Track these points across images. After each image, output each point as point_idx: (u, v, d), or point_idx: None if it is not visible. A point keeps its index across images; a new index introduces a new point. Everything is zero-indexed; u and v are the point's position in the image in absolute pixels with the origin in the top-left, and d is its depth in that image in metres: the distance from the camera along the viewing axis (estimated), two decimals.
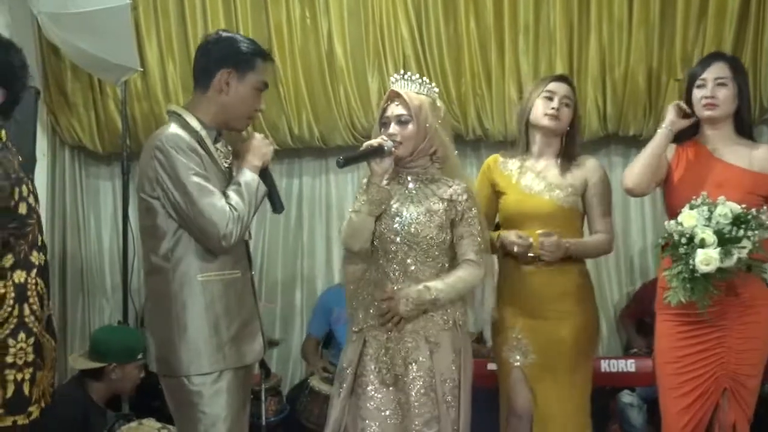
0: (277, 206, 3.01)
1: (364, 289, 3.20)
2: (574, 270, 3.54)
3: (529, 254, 3.42)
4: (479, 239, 3.14)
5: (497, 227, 3.65)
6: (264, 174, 2.93)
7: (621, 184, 3.55)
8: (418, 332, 3.09)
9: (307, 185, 5.36)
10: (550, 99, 3.51)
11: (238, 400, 2.96)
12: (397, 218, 3.12)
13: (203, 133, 2.88)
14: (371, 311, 3.15)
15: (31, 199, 2.76)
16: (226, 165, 2.97)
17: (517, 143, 3.65)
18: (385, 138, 3.11)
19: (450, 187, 3.14)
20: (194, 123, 2.88)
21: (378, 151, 3.08)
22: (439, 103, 3.20)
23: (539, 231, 3.40)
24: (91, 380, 4.11)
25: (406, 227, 3.10)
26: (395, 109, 3.13)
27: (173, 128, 2.84)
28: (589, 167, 3.57)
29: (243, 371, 2.99)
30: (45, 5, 4.41)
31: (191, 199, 2.76)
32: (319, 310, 5.00)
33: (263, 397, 4.33)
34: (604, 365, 4.34)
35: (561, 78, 3.61)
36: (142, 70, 4.89)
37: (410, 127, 3.10)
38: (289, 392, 4.95)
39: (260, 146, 2.96)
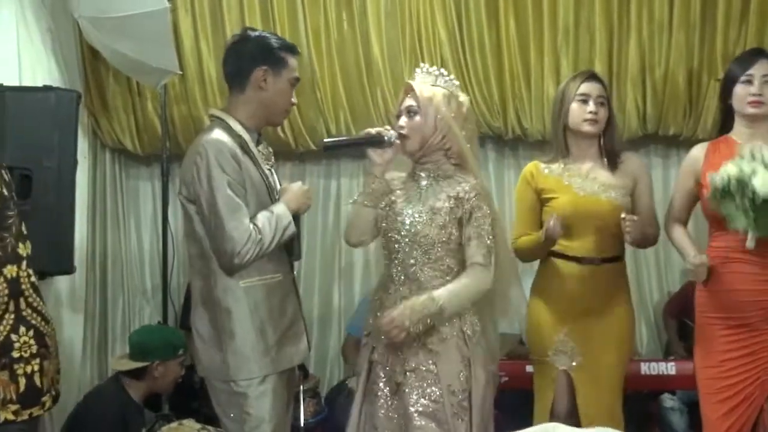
0: (296, 253, 3.03)
1: (375, 292, 3.16)
2: (620, 271, 3.53)
3: (555, 234, 3.35)
4: (488, 241, 2.99)
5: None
6: (295, 219, 2.94)
7: (664, 226, 3.51)
8: (418, 339, 2.96)
9: (345, 186, 5.34)
10: (585, 102, 3.46)
11: (282, 402, 2.98)
12: (401, 215, 3.04)
13: (246, 136, 2.89)
14: (377, 315, 3.06)
15: (3, 189, 2.70)
16: (268, 167, 2.98)
17: (551, 146, 3.61)
18: (388, 128, 3.06)
19: (460, 184, 3.02)
20: (237, 127, 2.90)
21: (375, 141, 3.02)
22: (462, 97, 3.10)
23: (623, 214, 3.31)
24: (130, 379, 4.12)
25: (408, 226, 3.01)
26: (407, 101, 3.07)
27: (216, 133, 2.85)
28: (634, 165, 3.55)
29: (287, 373, 3.01)
30: (85, 10, 4.42)
31: (217, 210, 2.77)
32: (361, 310, 4.86)
33: (302, 399, 4.32)
34: (644, 368, 4.29)
35: (591, 76, 3.55)
36: (181, 73, 4.90)
37: (417, 118, 3.02)
38: (327, 394, 4.94)
39: (301, 195, 3.00)
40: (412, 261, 3.00)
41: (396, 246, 3.03)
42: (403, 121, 3.05)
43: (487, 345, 3.03)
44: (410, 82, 3.08)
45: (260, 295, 2.90)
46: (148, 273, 5.48)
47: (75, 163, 3.79)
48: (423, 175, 3.08)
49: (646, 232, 3.45)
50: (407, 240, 3.00)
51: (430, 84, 3.05)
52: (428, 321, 2.90)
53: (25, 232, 2.71)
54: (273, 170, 3.07)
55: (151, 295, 5.45)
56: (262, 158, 2.97)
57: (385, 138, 3.01)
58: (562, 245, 3.46)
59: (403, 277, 3.01)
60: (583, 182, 3.48)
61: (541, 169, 3.57)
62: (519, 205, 3.62)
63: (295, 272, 3.10)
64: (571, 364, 3.44)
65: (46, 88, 3.83)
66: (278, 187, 3.05)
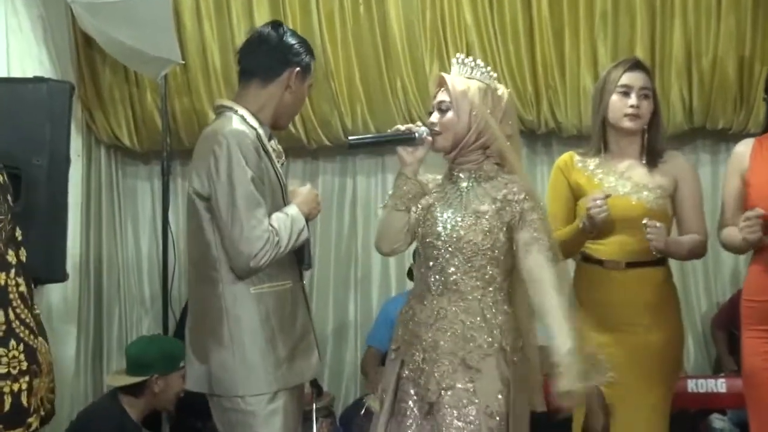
0: (306, 261, 3.04)
1: (409, 302, 3.12)
2: (660, 275, 3.47)
3: (601, 214, 3.28)
4: (548, 242, 2.94)
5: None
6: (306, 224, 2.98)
7: (717, 234, 3.46)
8: (455, 354, 2.91)
9: (362, 185, 5.38)
10: (627, 95, 3.43)
11: (294, 421, 2.98)
12: (440, 220, 3.00)
13: (261, 131, 2.92)
14: (410, 326, 3.03)
15: None
16: (280, 164, 3.01)
17: (591, 141, 3.58)
18: (419, 124, 3.04)
19: (506, 185, 2.98)
20: (252, 120, 2.92)
21: (405, 138, 2.99)
22: (501, 89, 3.05)
23: (644, 220, 3.28)
24: (128, 396, 4.13)
25: (448, 231, 2.96)
26: (439, 96, 3.03)
27: (236, 123, 2.88)
28: (678, 166, 3.50)
29: (298, 389, 3.01)
30: None
31: (236, 206, 2.78)
32: (382, 320, 4.85)
33: (314, 419, 4.32)
34: (691, 385, 4.27)
35: (634, 65, 3.49)
36: (183, 62, 4.93)
37: (449, 115, 2.98)
38: (342, 413, 4.95)
39: (311, 199, 3.03)
40: (452, 269, 2.96)
41: (435, 253, 2.99)
42: (435, 117, 3.03)
43: (527, 363, 3.01)
44: (443, 74, 3.06)
45: (271, 303, 2.89)
46: (146, 281, 5.50)
47: (68, 160, 3.79)
48: (462, 176, 3.04)
49: (686, 244, 3.43)
50: (448, 246, 2.96)
51: (465, 76, 3.03)
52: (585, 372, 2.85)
53: (19, 238, 2.71)
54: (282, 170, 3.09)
55: (150, 305, 5.47)
56: (274, 155, 2.98)
57: (416, 135, 2.98)
58: (587, 246, 3.45)
59: (441, 287, 2.98)
60: (615, 182, 3.45)
61: (575, 162, 3.55)
62: (552, 196, 3.58)
63: (304, 280, 3.11)
64: (601, 379, 3.42)
65: (37, 80, 3.83)
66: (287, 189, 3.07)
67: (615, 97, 3.44)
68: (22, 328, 2.64)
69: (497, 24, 4.95)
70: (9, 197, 2.68)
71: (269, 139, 2.99)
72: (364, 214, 5.37)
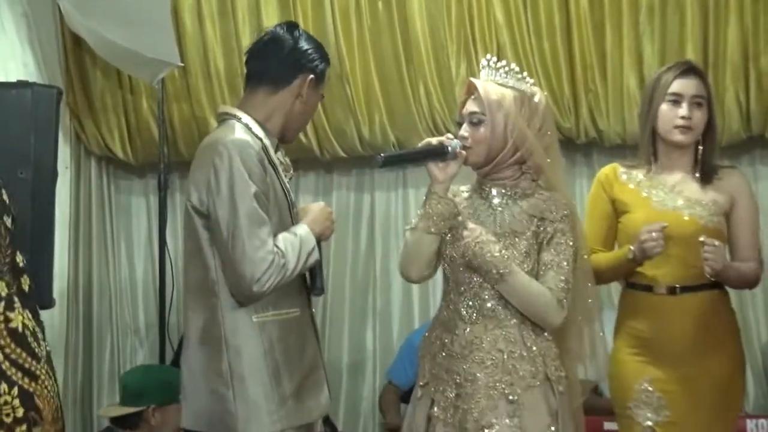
0: (318, 287, 3.01)
1: (433, 331, 3.11)
2: (718, 300, 3.44)
3: (656, 249, 3.26)
4: (566, 274, 2.95)
5: None
6: (317, 246, 2.95)
7: None
8: (495, 387, 2.91)
9: (381, 201, 5.36)
10: (677, 103, 3.40)
11: None
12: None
13: (267, 141, 2.90)
14: (438, 359, 3.01)
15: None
16: (287, 179, 3.00)
17: (640, 152, 3.56)
18: (450, 137, 3.00)
19: (544, 201, 2.99)
20: (258, 130, 2.91)
21: (436, 153, 2.95)
22: (537, 97, 3.03)
23: (701, 238, 3.25)
24: (122, 430, 4.12)
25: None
26: (470, 105, 3.01)
27: (239, 132, 2.86)
28: (735, 183, 3.47)
29: (305, 429, 2.98)
30: None
31: (238, 224, 2.76)
32: (405, 353, 4.84)
33: None
34: (751, 426, 4.27)
35: (687, 70, 3.46)
36: (182, 65, 4.92)
37: (482, 128, 2.97)
38: None
39: (323, 217, 3.01)
40: (487, 294, 2.96)
41: (466, 278, 2.98)
42: (466, 130, 3.00)
43: (573, 391, 3.00)
44: (473, 80, 3.03)
45: (276, 333, 2.89)
46: (141, 307, 5.50)
47: (55, 174, 3.79)
48: (495, 192, 3.04)
49: (741, 271, 3.40)
50: None
51: (497, 82, 3.01)
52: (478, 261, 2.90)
53: (20, 264, 2.68)
54: (290, 185, 3.08)
55: (145, 335, 5.46)
56: (281, 168, 2.97)
57: (448, 149, 2.94)
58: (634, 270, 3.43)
59: (475, 315, 2.97)
60: (665, 196, 3.43)
61: (619, 175, 3.53)
62: (590, 213, 3.57)
63: (313, 308, 3.09)
64: (656, 419, 3.38)
65: (21, 84, 3.82)
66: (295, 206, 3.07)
67: (665, 107, 3.42)
68: (14, 369, 2.61)
69: (531, 21, 4.93)
70: (6, 218, 2.66)
71: (276, 151, 2.98)
72: (383, 233, 5.34)
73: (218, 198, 2.78)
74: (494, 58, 3.04)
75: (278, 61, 2.98)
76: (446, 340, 3.00)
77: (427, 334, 3.15)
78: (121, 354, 5.41)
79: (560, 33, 4.92)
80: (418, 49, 4.98)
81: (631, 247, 3.30)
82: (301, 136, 4.90)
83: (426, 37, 4.98)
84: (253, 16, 5.01)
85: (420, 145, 3.04)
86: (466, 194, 3.10)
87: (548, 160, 3.03)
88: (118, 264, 5.48)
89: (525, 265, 2.93)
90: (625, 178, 3.51)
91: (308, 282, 3.02)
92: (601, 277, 3.43)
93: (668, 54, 4.79)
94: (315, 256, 2.91)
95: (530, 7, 4.92)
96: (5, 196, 2.64)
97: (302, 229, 2.90)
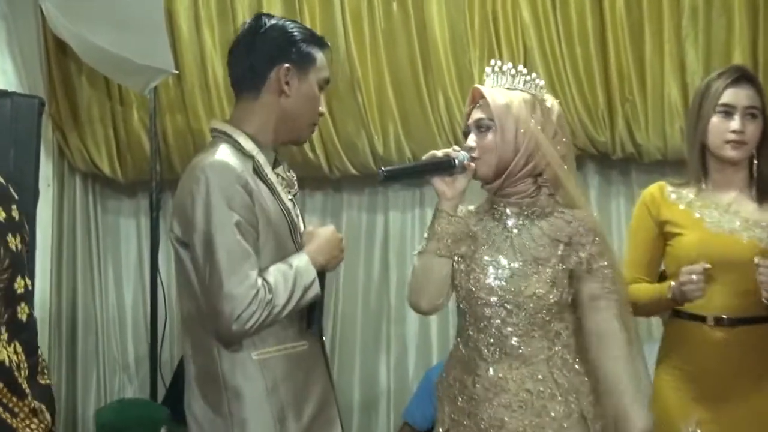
0: (314, 326, 2.95)
1: (450, 371, 3.07)
2: None
3: (696, 294, 3.26)
4: (618, 298, 2.93)
5: (662, 279, 3.54)
6: (321, 277, 2.90)
7: None
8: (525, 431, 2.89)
9: (396, 222, 5.35)
10: (729, 115, 3.39)
11: None
12: (491, 269, 2.93)
13: (260, 158, 2.86)
14: (459, 403, 2.98)
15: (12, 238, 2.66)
16: (290, 196, 2.96)
17: (688, 169, 3.54)
18: (457, 148, 2.97)
19: (569, 223, 2.94)
20: (248, 145, 2.86)
21: (443, 166, 2.92)
22: (549, 102, 3.00)
23: (756, 259, 3.23)
24: None
25: (505, 282, 2.91)
26: (476, 113, 2.98)
27: (221, 152, 2.80)
28: None
29: None
30: None
31: (215, 257, 2.73)
32: (423, 391, 4.85)
33: None
34: None
35: (740, 78, 3.45)
36: (177, 72, 4.92)
37: (490, 135, 2.93)
38: None
39: (331, 245, 2.96)
40: (510, 329, 2.91)
41: (487, 312, 2.93)
42: (473, 139, 2.98)
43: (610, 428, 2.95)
44: (478, 86, 3.01)
45: (280, 371, 2.85)
46: (131, 339, 5.49)
47: (36, 192, 3.78)
48: (509, 212, 2.99)
49: None
50: (504, 303, 2.92)
51: (505, 87, 2.98)
52: None
53: (19, 291, 2.66)
54: (295, 202, 3.05)
55: (134, 369, 5.45)
56: (282, 185, 2.94)
57: (455, 161, 2.91)
58: None
59: (498, 353, 2.93)
60: (720, 217, 3.41)
61: (667, 194, 3.51)
62: (633, 237, 3.57)
63: (324, 337, 3.06)
64: None
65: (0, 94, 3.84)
66: (302, 227, 3.02)
67: (715, 119, 3.41)
68: None
69: (561, 23, 4.92)
70: (12, 238, 2.63)
71: (276, 165, 2.95)
72: (398, 258, 5.32)
73: (194, 230, 2.76)
74: (498, 62, 3.02)
75: (246, 60, 2.94)
76: (467, 382, 2.96)
77: (444, 374, 3.11)
78: (108, 391, 5.39)
79: (594, 36, 4.91)
80: (436, 54, 4.97)
81: (672, 284, 3.29)
82: (308, 150, 4.92)
83: (446, 41, 4.97)
84: None
85: (424, 157, 3.00)
86: (474, 215, 3.06)
87: (566, 172, 2.99)
88: (105, 292, 5.47)
89: (551, 296, 2.89)
90: (675, 198, 3.50)
91: (308, 320, 2.96)
92: (639, 310, 3.42)
93: (713, 60, 4.78)
94: (314, 290, 2.85)
95: (560, 8, 4.92)
96: (15, 213, 2.62)
97: (301, 260, 2.85)
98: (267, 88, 2.91)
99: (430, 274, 2.97)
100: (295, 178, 3.05)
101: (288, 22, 3.00)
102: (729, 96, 3.39)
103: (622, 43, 4.88)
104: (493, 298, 2.92)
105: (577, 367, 2.94)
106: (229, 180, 2.75)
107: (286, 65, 2.90)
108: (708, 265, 3.23)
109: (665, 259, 3.51)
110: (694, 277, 3.22)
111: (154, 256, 5.07)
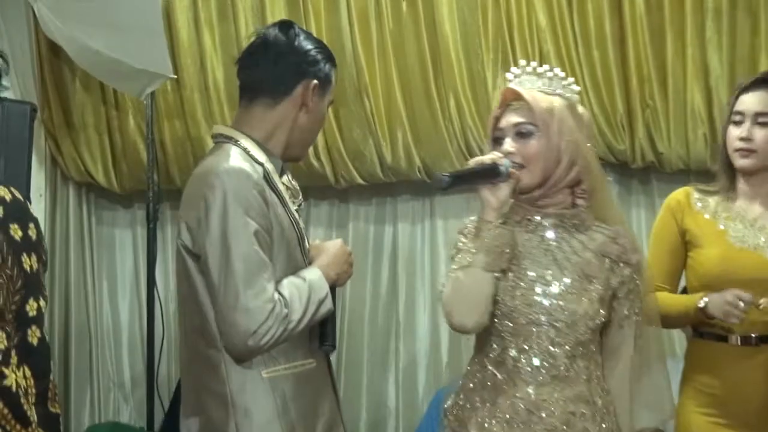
0: (329, 341, 2.95)
1: (473, 394, 3.00)
2: None
3: (733, 320, 3.25)
4: (641, 321, 2.92)
5: (683, 293, 3.53)
6: (331, 294, 2.91)
7: None
8: None
9: (405, 235, 5.35)
10: (739, 123, 3.41)
11: None
12: (539, 286, 2.88)
13: (269, 166, 2.86)
14: (489, 425, 2.89)
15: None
16: (296, 207, 2.97)
17: (717, 177, 3.54)
18: (500, 155, 2.87)
19: (615, 239, 2.90)
20: (257, 152, 2.86)
21: (490, 173, 2.84)
22: (580, 108, 2.98)
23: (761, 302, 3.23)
24: None
25: (555, 300, 2.85)
26: (512, 117, 2.90)
27: (235, 158, 2.81)
28: None
29: None
30: None
31: (231, 268, 2.72)
32: (434, 412, 4.69)
33: None
34: None
35: (754, 83, 3.45)
36: (175, 77, 4.93)
37: (535, 141, 2.86)
38: None
39: (341, 259, 2.98)
40: (558, 350, 2.87)
41: (533, 330, 2.88)
42: (510, 144, 2.89)
43: None
44: (514, 87, 2.94)
45: (290, 390, 2.85)
46: (126, 357, 5.49)
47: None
48: (547, 223, 2.95)
49: None
50: (554, 322, 2.87)
51: (540, 89, 2.93)
52: None
53: (31, 314, 2.65)
54: (300, 213, 3.05)
55: (130, 389, 5.46)
56: (288, 195, 2.94)
57: (501, 168, 2.83)
58: None
59: (543, 375, 2.88)
60: (745, 231, 3.40)
61: (693, 201, 3.51)
62: (656, 244, 3.56)
63: (331, 356, 3.07)
64: None
65: None
66: (307, 240, 3.02)
67: (730, 128, 3.43)
68: None
69: (578, 25, 4.93)
70: (27, 258, 2.63)
71: (281, 175, 2.96)
72: (407, 272, 5.33)
73: (209, 239, 2.74)
74: (534, 63, 2.96)
75: (274, 68, 2.94)
76: (502, 405, 2.90)
77: (460, 399, 3.04)
78: (102, 411, 5.40)
79: (612, 39, 4.90)
80: (448, 58, 4.97)
81: (705, 299, 3.27)
82: (313, 160, 4.91)
83: (457, 43, 4.98)
84: (257, 20, 5.01)
85: (471, 164, 2.90)
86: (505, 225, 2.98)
87: (604, 180, 3.00)
88: (99, 307, 5.48)
89: (601, 316, 2.86)
90: (700, 207, 3.50)
91: (321, 336, 2.96)
92: (664, 321, 3.39)
93: (738, 63, 4.78)
94: (327, 305, 2.87)
95: (577, 9, 4.92)
96: (32, 232, 2.62)
97: (314, 273, 2.86)
98: (289, 99, 2.93)
99: (478, 291, 2.86)
100: (299, 188, 3.06)
101: (314, 37, 3.05)
102: (741, 103, 3.42)
103: (642, 46, 4.87)
104: (543, 317, 2.86)
105: (604, 384, 2.93)
106: (247, 186, 2.75)
107: (315, 81, 2.93)
108: (761, 303, 3.24)
109: (686, 271, 3.51)
110: (741, 304, 3.20)
111: (150, 270, 5.04)
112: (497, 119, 2.95)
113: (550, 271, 2.89)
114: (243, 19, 5.02)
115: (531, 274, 2.90)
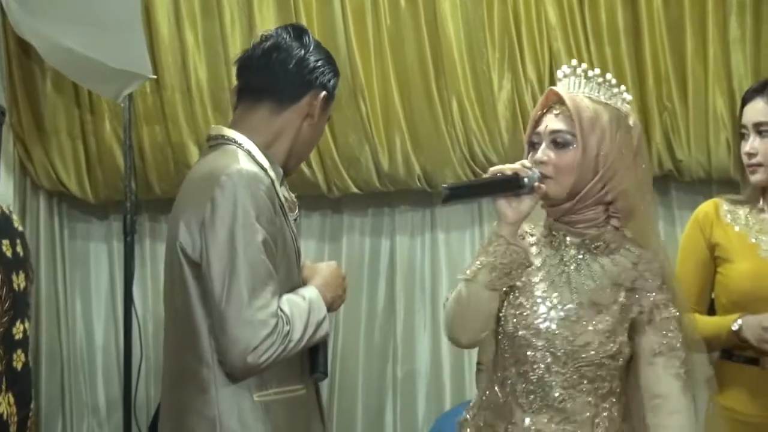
0: (321, 369, 2.98)
1: (480, 411, 3.04)
2: None
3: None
4: (680, 356, 2.84)
5: (711, 310, 3.53)
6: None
7: None
8: None
9: (403, 249, 5.34)
10: (746, 137, 3.45)
11: None
12: (543, 307, 2.88)
13: (272, 173, 2.90)
14: None
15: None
16: (293, 220, 2.99)
17: (741, 187, 3.56)
18: (528, 164, 2.86)
19: (635, 265, 2.87)
20: (261, 158, 2.90)
21: (510, 185, 2.82)
22: (631, 120, 2.94)
23: None
24: None
25: (555, 326, 2.85)
26: (551, 122, 2.88)
27: (245, 161, 2.84)
28: None
29: None
30: None
31: (237, 278, 2.73)
32: None
33: None
34: None
35: (752, 92, 3.49)
36: (155, 77, 4.92)
37: (571, 153, 2.85)
38: None
39: (336, 282, 3.02)
40: (554, 380, 2.85)
41: (530, 355, 2.88)
42: (546, 152, 2.88)
43: None
44: (557, 90, 2.91)
45: (282, 416, 2.86)
46: (101, 381, 5.47)
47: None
48: (569, 241, 2.94)
49: None
50: (551, 349, 2.85)
51: (586, 94, 2.90)
52: None
53: (17, 337, 2.66)
54: (296, 227, 3.09)
55: (105, 415, 5.44)
56: (287, 207, 2.96)
57: (525, 180, 2.81)
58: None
59: (539, 403, 2.87)
60: None
61: (722, 213, 3.52)
62: (683, 261, 3.57)
63: (321, 382, 3.11)
64: None
65: None
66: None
67: (742, 143, 3.48)
68: None
69: (590, 21, 4.94)
70: (15, 278, 2.63)
71: (280, 184, 2.97)
72: (405, 288, 5.32)
73: (213, 240, 2.75)
74: (584, 65, 2.93)
75: (286, 74, 2.98)
76: (499, 428, 2.93)
77: (470, 414, 3.05)
78: None
79: (626, 36, 4.92)
80: (450, 57, 4.97)
81: (739, 321, 3.28)
82: (303, 167, 4.90)
83: (461, 42, 4.99)
84: (244, 15, 5.03)
85: (489, 173, 2.89)
86: (533, 239, 3.00)
87: (642, 205, 2.95)
88: (72, 327, 5.45)
89: (607, 349, 2.83)
90: (730, 219, 3.50)
91: (312, 364, 2.99)
92: None
93: (764, 63, 4.80)
94: (325, 328, 2.90)
95: (588, 3, 4.93)
96: (20, 248, 2.62)
97: (312, 293, 2.89)
98: (295, 107, 2.98)
99: (477, 307, 2.87)
100: (295, 200, 3.09)
101: (323, 47, 3.11)
102: (744, 115, 3.49)
103: (660, 43, 4.90)
104: (539, 342, 2.86)
105: (621, 421, 2.90)
106: (259, 191, 2.79)
107: (324, 93, 3.00)
108: None
109: (715, 288, 3.51)
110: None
111: (128, 287, 5.00)
112: (537, 122, 2.93)
113: (557, 294, 2.89)
114: (228, 15, 5.01)
115: (538, 294, 2.90)
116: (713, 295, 3.54)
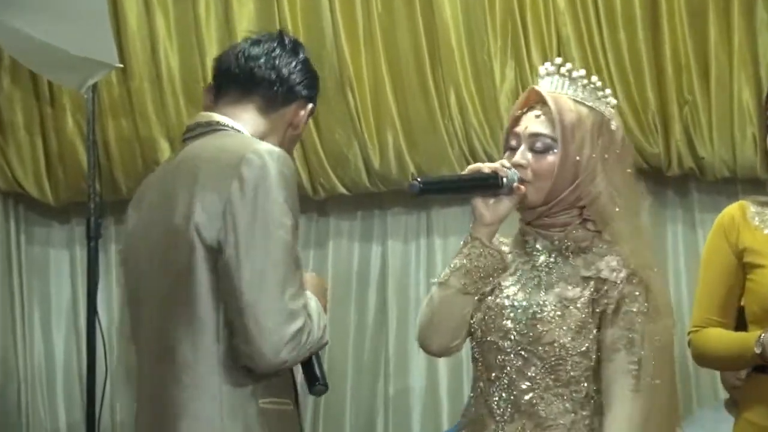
0: (321, 381, 2.98)
1: (467, 426, 3.06)
2: None
3: None
4: (638, 352, 2.87)
5: (740, 321, 3.52)
6: None
7: None
8: None
9: (396, 254, 5.36)
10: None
11: None
12: (510, 308, 2.94)
13: None
14: None
15: None
16: None
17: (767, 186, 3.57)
18: (507, 164, 2.93)
19: (602, 258, 2.92)
20: None
21: (488, 184, 2.89)
22: (614, 124, 2.99)
23: None
24: None
25: (521, 326, 2.90)
26: (532, 124, 2.95)
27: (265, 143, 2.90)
28: None
29: None
30: None
31: (275, 261, 2.75)
32: None
33: None
34: None
35: None
36: (121, 66, 4.91)
37: (550, 158, 2.92)
38: None
39: (320, 292, 3.05)
40: (525, 384, 2.89)
41: (499, 359, 2.93)
42: (524, 155, 2.94)
43: None
44: (539, 90, 2.97)
45: (276, 426, 2.88)
46: (62, 400, 5.49)
47: None
48: (539, 246, 3.00)
49: None
50: (519, 349, 2.90)
51: (570, 96, 2.96)
52: None
53: None
54: None
55: None
56: None
57: (504, 180, 2.88)
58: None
59: (510, 410, 2.92)
60: None
61: (749, 216, 3.51)
62: (707, 269, 3.57)
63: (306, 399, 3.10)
64: None
65: None
66: None
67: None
68: None
69: (603, 7, 4.94)
70: None
71: None
72: (398, 298, 5.34)
73: (242, 221, 2.75)
74: (569, 65, 2.99)
75: (278, 78, 3.05)
76: None
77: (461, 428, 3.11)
78: None
79: (643, 21, 4.94)
80: (447, 46, 4.99)
81: (763, 335, 3.27)
82: None
83: (459, 29, 5.01)
84: (221, 2, 5.02)
85: (467, 171, 2.97)
86: (506, 247, 3.05)
87: (617, 210, 2.97)
88: (30, 341, 5.47)
89: (579, 344, 2.87)
90: (758, 222, 3.50)
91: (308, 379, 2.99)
92: (714, 362, 3.51)
93: None
94: (326, 336, 2.92)
95: None
96: None
97: (311, 297, 2.91)
98: (282, 112, 3.06)
99: (449, 312, 2.96)
100: None
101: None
102: None
103: (680, 29, 4.90)
104: (506, 343, 2.91)
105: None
106: (292, 173, 2.85)
107: (311, 105, 3.12)
108: None
109: (745, 295, 3.49)
110: None
111: (91, 297, 4.99)
112: (516, 120, 2.98)
113: (526, 292, 2.95)
114: (203, 2, 5.00)
115: (508, 293, 2.97)
116: (743, 303, 3.52)
